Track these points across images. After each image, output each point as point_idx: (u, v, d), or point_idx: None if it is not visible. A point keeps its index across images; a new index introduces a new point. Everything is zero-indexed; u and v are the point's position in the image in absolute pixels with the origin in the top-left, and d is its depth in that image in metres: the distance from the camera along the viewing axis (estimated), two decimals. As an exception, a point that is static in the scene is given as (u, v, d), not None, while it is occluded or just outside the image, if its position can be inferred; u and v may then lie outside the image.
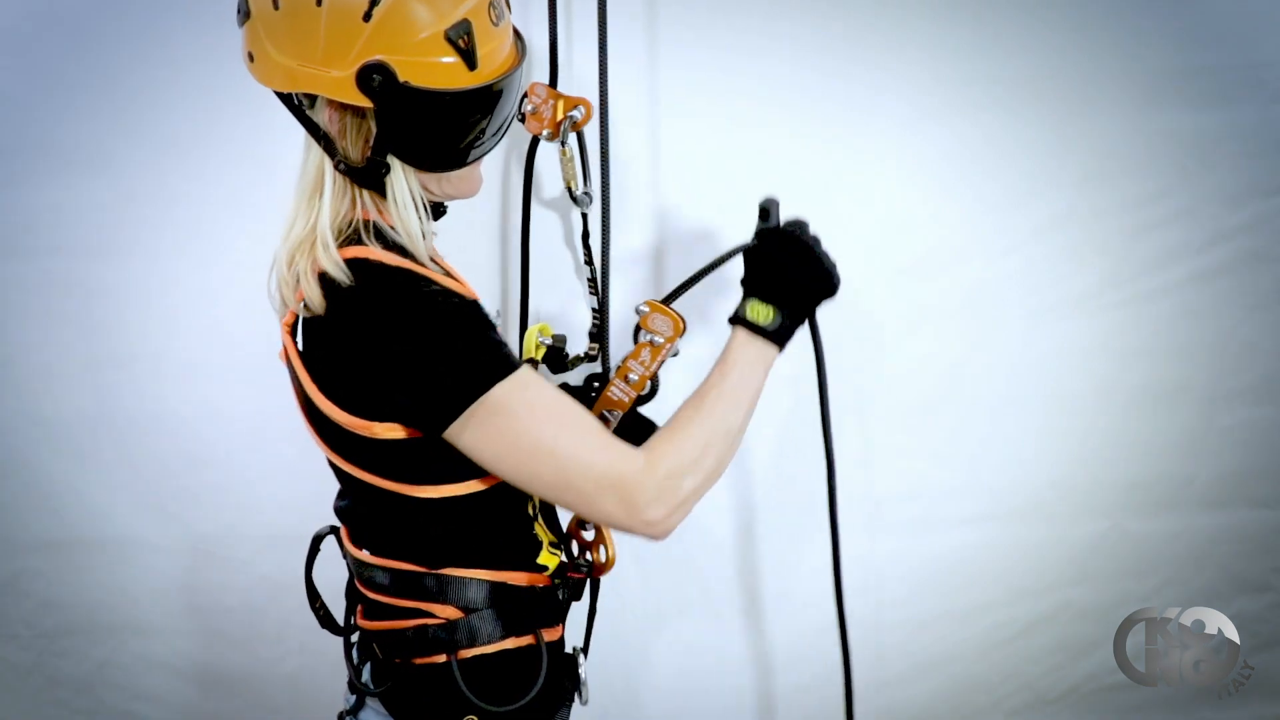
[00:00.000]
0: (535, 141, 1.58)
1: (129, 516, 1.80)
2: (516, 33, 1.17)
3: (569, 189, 1.53)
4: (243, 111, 1.64)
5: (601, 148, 1.44)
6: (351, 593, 1.33)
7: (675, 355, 1.32)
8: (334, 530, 1.33)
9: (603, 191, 1.46)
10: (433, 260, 1.14)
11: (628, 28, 1.59)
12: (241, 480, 1.79)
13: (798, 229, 1.21)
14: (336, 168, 1.09)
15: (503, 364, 1.05)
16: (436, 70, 1.04)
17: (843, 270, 1.71)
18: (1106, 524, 1.85)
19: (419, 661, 1.19)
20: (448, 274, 1.16)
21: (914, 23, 1.64)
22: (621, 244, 1.61)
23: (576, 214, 1.59)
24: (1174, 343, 1.78)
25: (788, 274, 1.18)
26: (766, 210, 1.21)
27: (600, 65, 1.45)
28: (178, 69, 1.64)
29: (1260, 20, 1.67)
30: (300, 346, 1.15)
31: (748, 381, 1.15)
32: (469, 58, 1.05)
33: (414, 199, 1.11)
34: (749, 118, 1.66)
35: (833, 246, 1.70)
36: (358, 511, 1.24)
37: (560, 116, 1.47)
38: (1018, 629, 1.88)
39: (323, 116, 1.09)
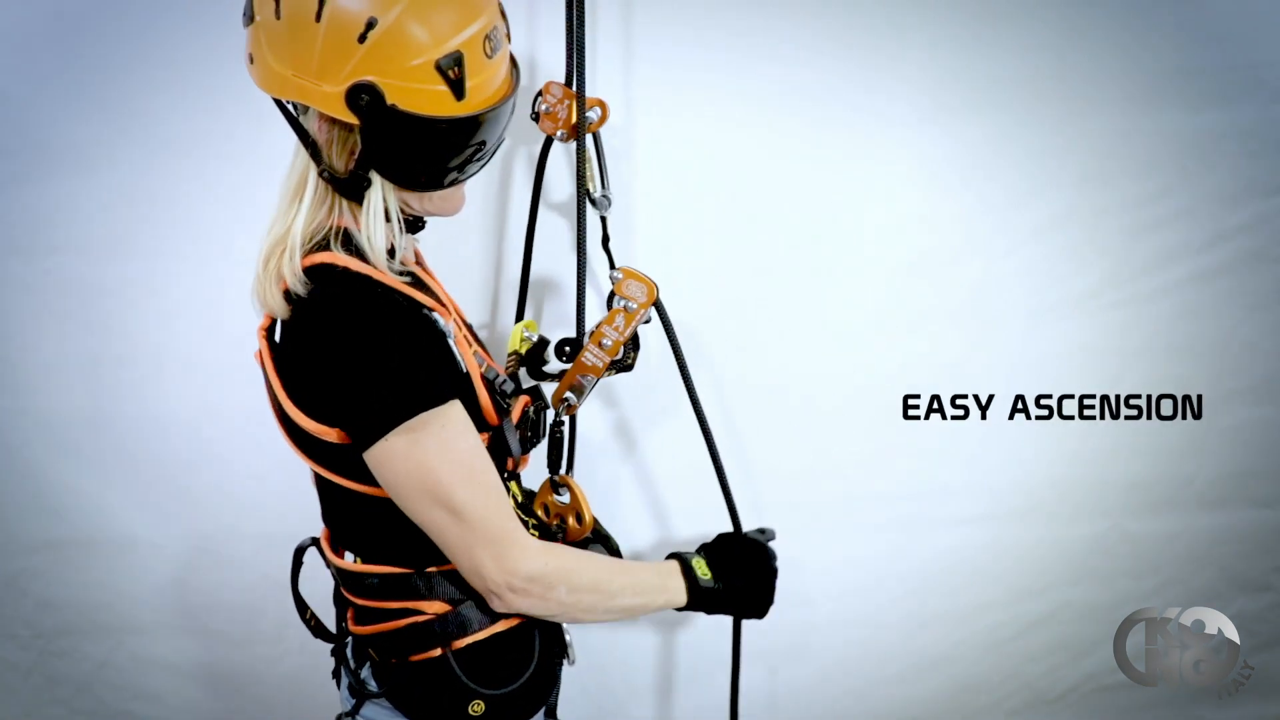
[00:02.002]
0: (549, 142, 1.56)
1: (129, 516, 1.80)
2: (513, 60, 1.18)
3: (587, 191, 1.49)
4: (243, 111, 1.64)
5: (587, 147, 1.45)
6: (340, 599, 1.34)
7: (648, 322, 1.32)
8: (315, 541, 1.35)
9: (577, 188, 1.46)
10: (406, 268, 1.16)
11: (630, 30, 1.59)
12: (241, 480, 1.79)
13: (772, 555, 1.36)
14: (320, 175, 1.11)
15: (431, 392, 1.07)
16: (424, 97, 1.06)
17: (843, 269, 1.73)
18: (1106, 524, 1.85)
19: (416, 658, 1.20)
20: (417, 282, 1.18)
21: (914, 23, 1.64)
22: (626, 245, 1.61)
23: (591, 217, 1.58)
24: (1174, 343, 1.78)
25: (746, 579, 1.32)
26: (763, 531, 1.43)
27: (578, 67, 1.44)
28: (178, 69, 1.63)
29: (1260, 20, 1.66)
30: (273, 349, 1.17)
31: (651, 598, 1.25)
32: (458, 88, 1.07)
33: (386, 213, 1.13)
34: (750, 118, 1.65)
35: (833, 246, 1.72)
36: (336, 514, 1.26)
37: (575, 117, 1.44)
38: (1018, 629, 1.88)
39: (313, 125, 1.11)
